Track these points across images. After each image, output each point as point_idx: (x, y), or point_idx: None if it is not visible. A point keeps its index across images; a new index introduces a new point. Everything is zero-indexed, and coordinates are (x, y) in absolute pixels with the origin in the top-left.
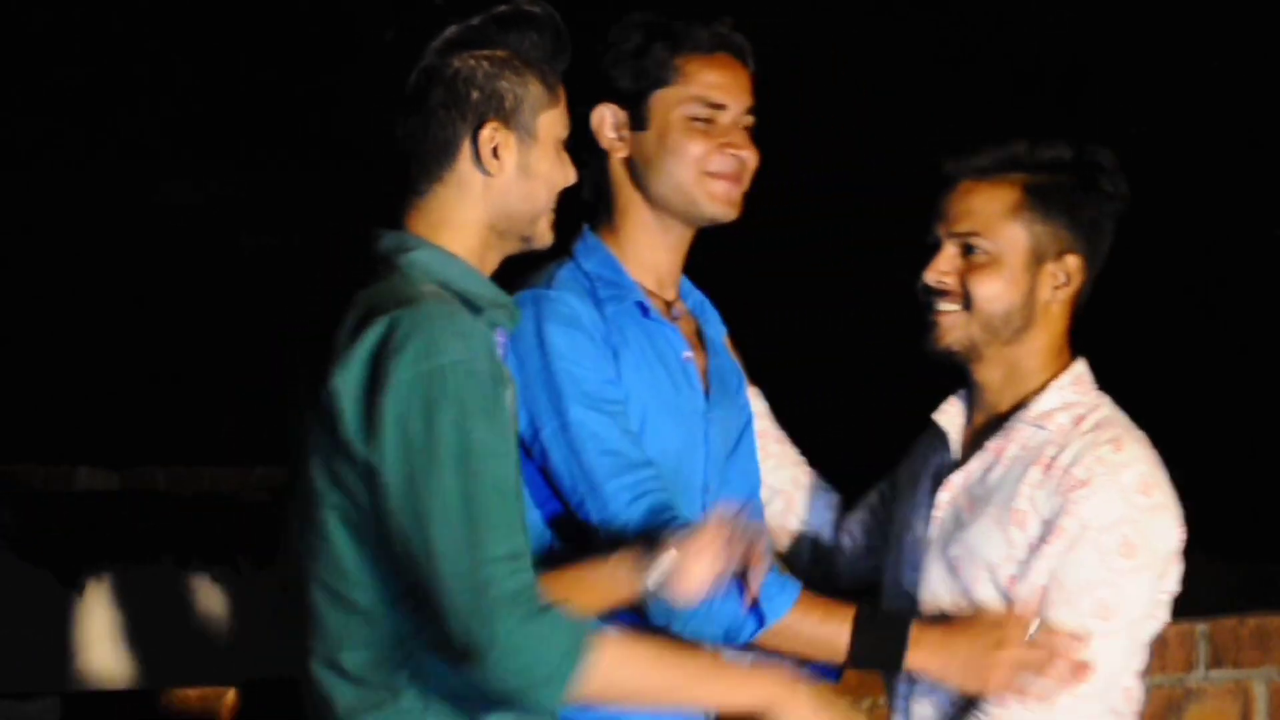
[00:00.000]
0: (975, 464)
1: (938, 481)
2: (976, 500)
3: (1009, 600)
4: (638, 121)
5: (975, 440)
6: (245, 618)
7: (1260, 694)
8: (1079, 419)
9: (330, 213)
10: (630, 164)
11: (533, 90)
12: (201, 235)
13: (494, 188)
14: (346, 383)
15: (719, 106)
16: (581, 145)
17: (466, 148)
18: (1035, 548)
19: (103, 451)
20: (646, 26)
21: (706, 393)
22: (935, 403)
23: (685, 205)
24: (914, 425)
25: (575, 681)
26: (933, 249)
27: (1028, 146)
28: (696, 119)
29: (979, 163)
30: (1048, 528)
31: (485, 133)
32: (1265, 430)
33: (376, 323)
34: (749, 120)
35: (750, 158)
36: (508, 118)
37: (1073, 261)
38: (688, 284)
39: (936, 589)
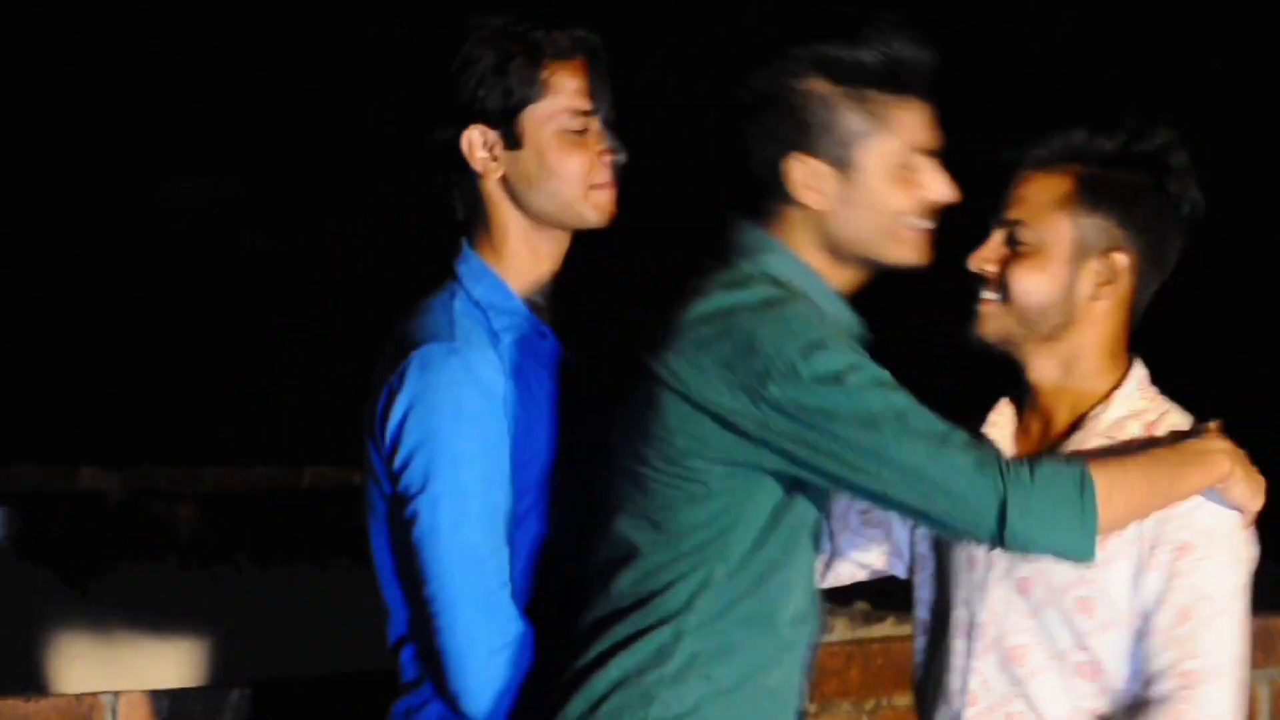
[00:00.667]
0: None
1: None
2: None
3: (1075, 621)
4: (510, 141)
5: (1037, 449)
6: (247, 618)
7: (1263, 695)
8: (1149, 426)
9: (330, 213)
10: (506, 183)
11: (846, 121)
12: (203, 234)
13: (818, 219)
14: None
15: (589, 113)
16: (449, 166)
17: (781, 177)
18: (1140, 569)
19: (104, 451)
20: (501, 41)
21: None
22: (977, 397)
23: (570, 219)
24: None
25: (1096, 522)
26: (985, 234)
27: (1087, 135)
28: (570, 130)
29: (1038, 152)
30: (1151, 546)
31: (791, 163)
32: (1264, 428)
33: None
34: (611, 116)
35: (622, 158)
36: (817, 149)
37: (1121, 260)
38: None
39: (999, 609)
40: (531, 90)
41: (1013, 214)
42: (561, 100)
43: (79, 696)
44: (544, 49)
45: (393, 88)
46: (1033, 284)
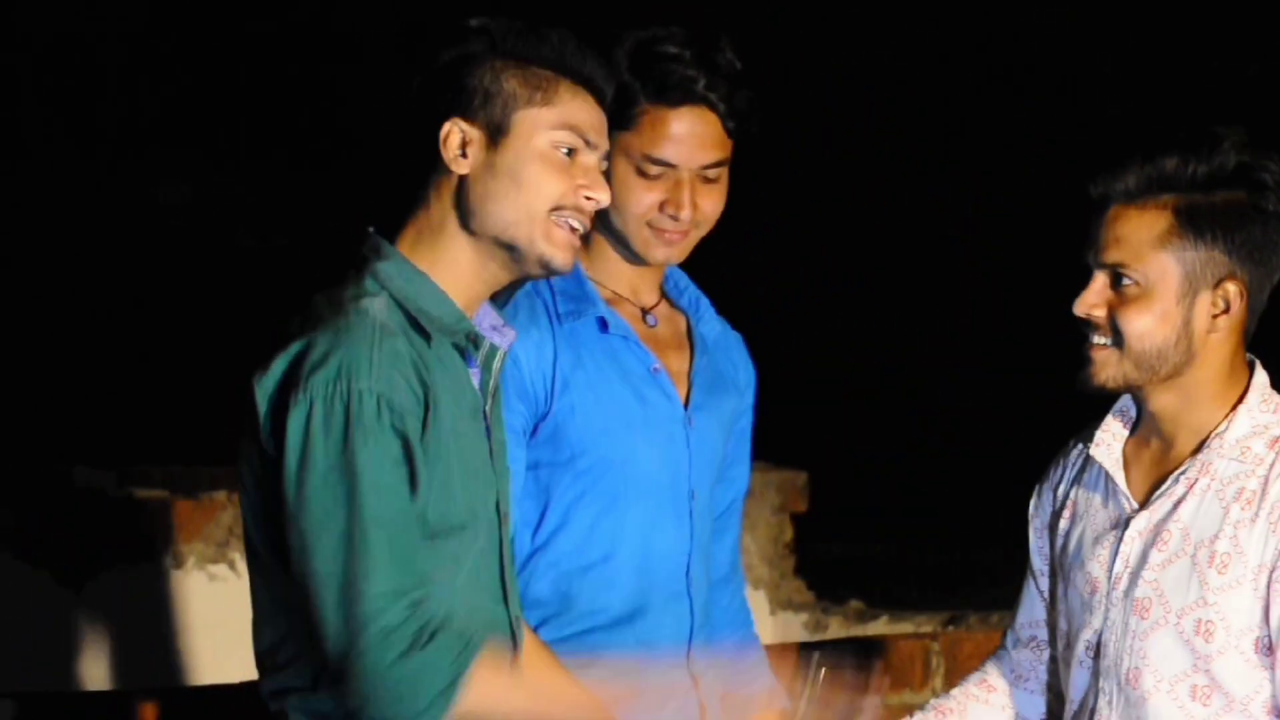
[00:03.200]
0: (1164, 501)
1: (1115, 517)
2: (1166, 538)
3: (1194, 644)
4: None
5: (1153, 471)
6: (244, 618)
7: None
8: (1274, 442)
9: (328, 212)
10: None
11: (508, 86)
12: (197, 234)
13: (464, 187)
14: (265, 388)
15: (667, 164)
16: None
17: (436, 145)
18: (1264, 597)
19: (99, 451)
20: (623, 62)
21: (686, 398)
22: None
23: (627, 246)
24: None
25: (449, 717)
26: (1085, 275)
27: (1179, 161)
28: (642, 171)
29: (1126, 184)
30: (1271, 572)
31: (447, 126)
32: None
33: (306, 336)
34: (707, 173)
35: (685, 210)
36: (474, 113)
37: (1232, 288)
38: (684, 279)
39: (1117, 631)
40: (622, 116)
41: (1112, 256)
42: (643, 139)
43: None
44: (650, 86)
45: (386, 87)
46: (1145, 327)
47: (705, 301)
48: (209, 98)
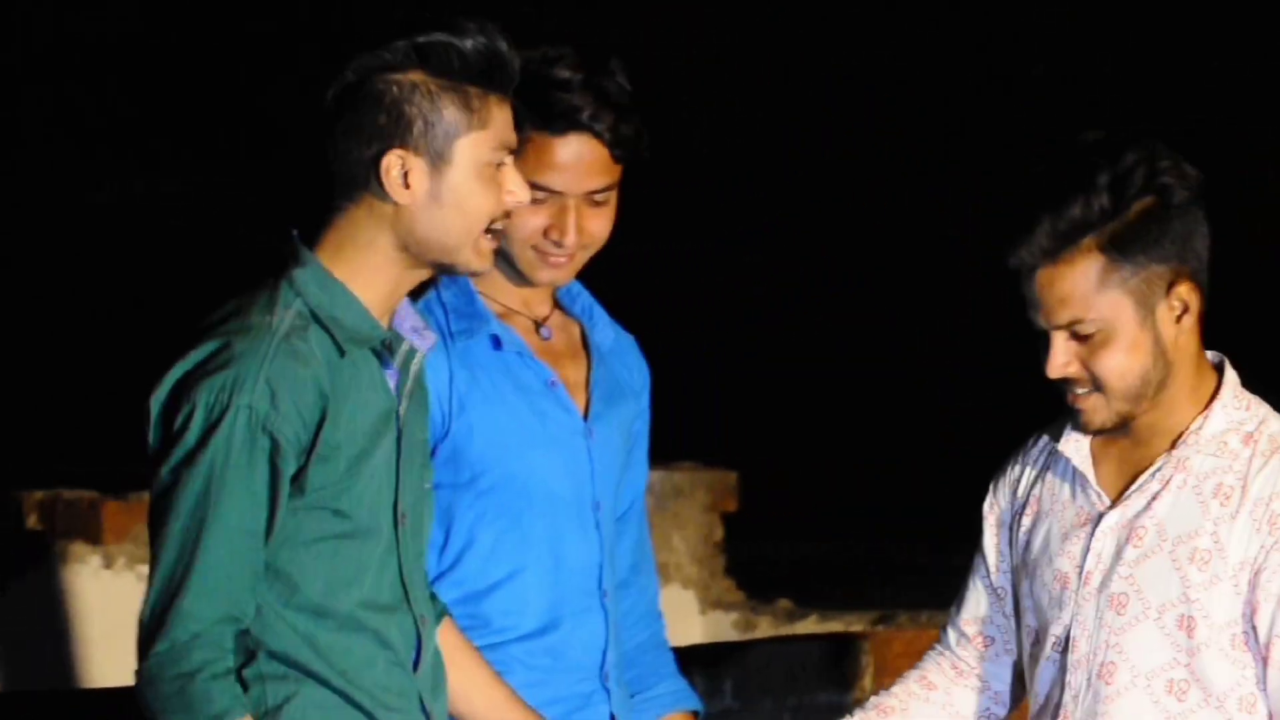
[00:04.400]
0: (1138, 497)
1: (1085, 513)
2: (1141, 534)
3: (1175, 638)
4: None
5: (1124, 467)
6: None
7: None
8: (1248, 437)
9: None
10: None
11: (448, 115)
12: (134, 233)
13: (403, 214)
14: (162, 387)
15: (552, 191)
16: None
17: (374, 173)
18: (1246, 594)
19: (28, 452)
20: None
21: (585, 409)
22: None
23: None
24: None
25: None
26: (1041, 335)
27: (1083, 203)
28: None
29: (1041, 245)
30: (1256, 571)
31: (388, 159)
32: None
33: (207, 343)
34: (594, 197)
35: (569, 237)
36: (415, 144)
37: (1183, 289)
38: (576, 287)
39: (1089, 625)
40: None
41: (1063, 317)
42: (527, 165)
43: None
44: (536, 111)
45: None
46: (1123, 365)
47: (598, 308)
48: (165, 98)
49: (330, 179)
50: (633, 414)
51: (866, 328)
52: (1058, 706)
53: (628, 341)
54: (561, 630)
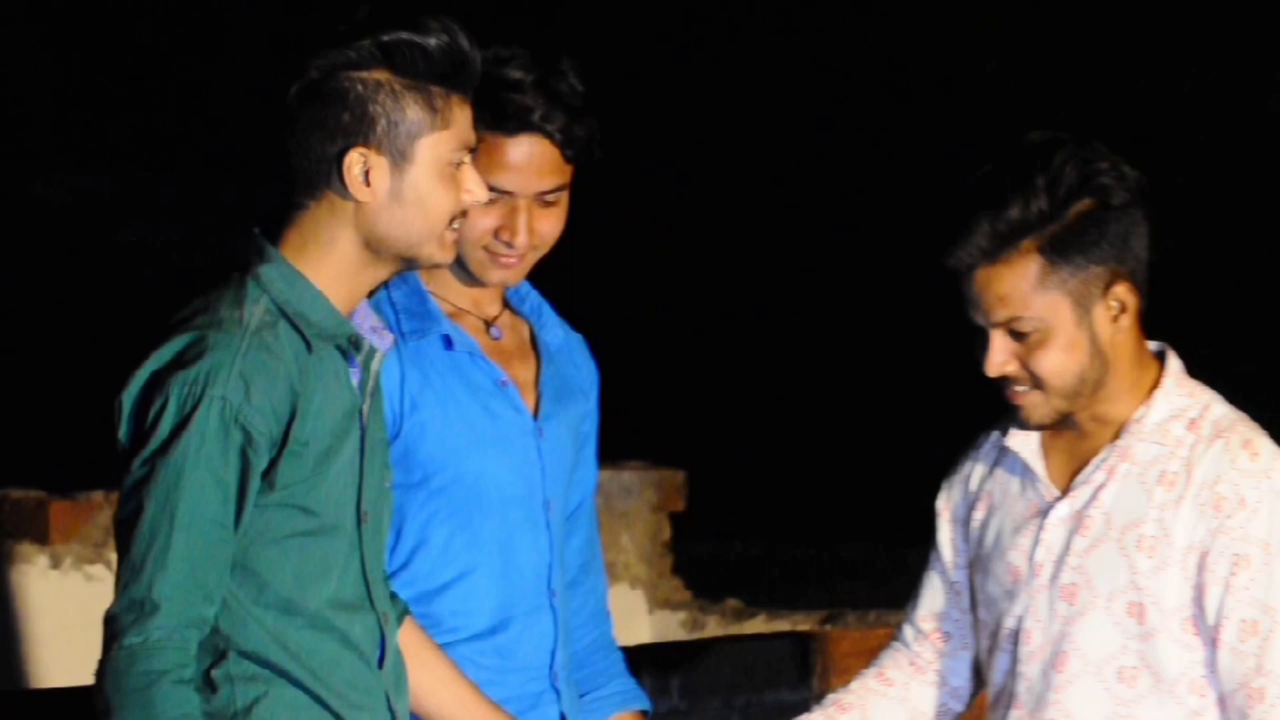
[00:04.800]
0: (1085, 488)
1: (1035, 506)
2: (1089, 524)
3: (1125, 625)
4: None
5: (1071, 459)
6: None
7: None
8: (1192, 424)
9: (209, 209)
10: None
11: (410, 114)
12: (78, 231)
13: (365, 212)
14: (133, 383)
15: (504, 192)
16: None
17: (336, 170)
18: (1194, 578)
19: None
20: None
21: (535, 409)
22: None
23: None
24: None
25: None
26: (980, 333)
27: (1021, 205)
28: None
29: (980, 246)
30: (1202, 555)
31: (350, 157)
32: None
33: (179, 337)
34: (545, 197)
35: (520, 236)
36: (378, 142)
37: (1120, 289)
38: (525, 286)
39: (1042, 616)
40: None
41: (1001, 315)
42: (479, 165)
43: None
44: (487, 111)
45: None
46: (1060, 364)
47: (547, 308)
48: (88, 95)
49: (291, 176)
50: (581, 413)
51: (814, 327)
52: (1011, 696)
53: (576, 341)
54: (511, 630)
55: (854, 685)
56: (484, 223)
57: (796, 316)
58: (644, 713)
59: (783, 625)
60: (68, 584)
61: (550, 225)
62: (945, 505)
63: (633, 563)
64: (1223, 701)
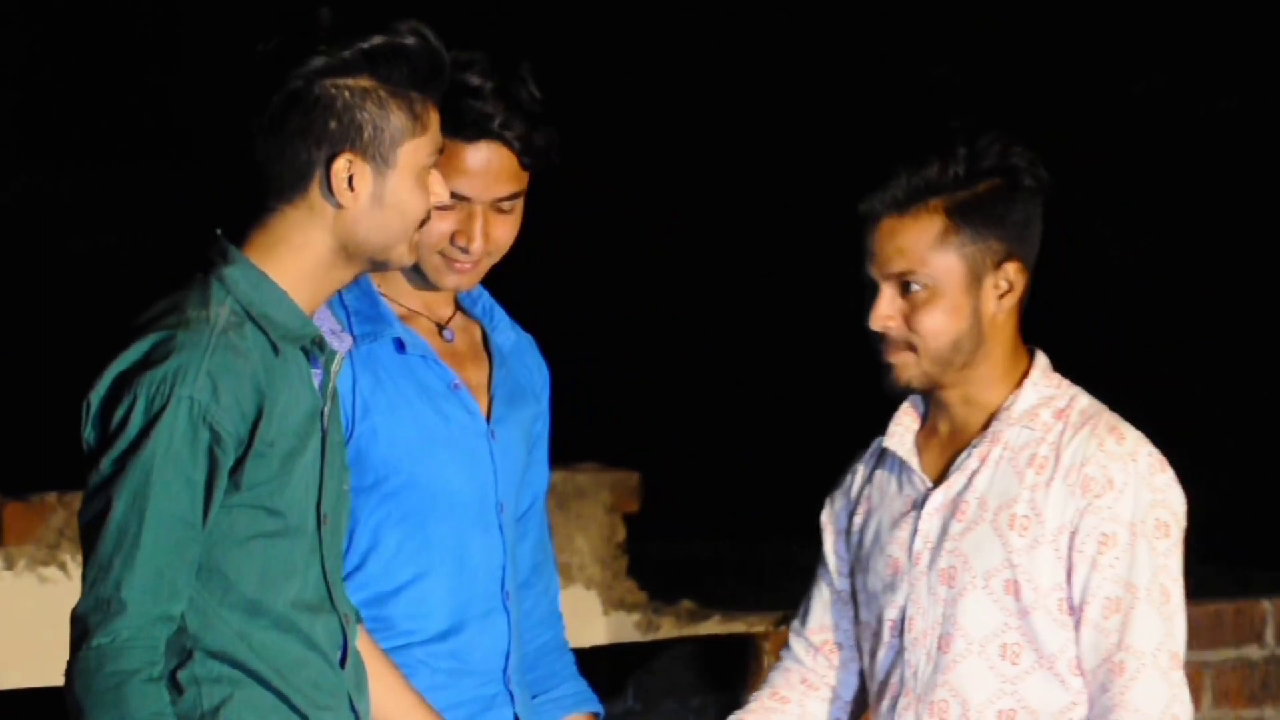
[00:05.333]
0: (958, 475)
1: (911, 500)
2: (964, 508)
3: (1003, 603)
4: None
5: (945, 453)
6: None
7: (1208, 676)
8: (1060, 412)
9: (164, 212)
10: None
11: (395, 121)
12: (25, 235)
13: (345, 217)
14: (100, 384)
15: (462, 198)
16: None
17: (319, 176)
18: (1066, 557)
19: None
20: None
21: (488, 412)
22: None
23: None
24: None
25: None
26: (870, 290)
27: (939, 167)
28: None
29: (894, 195)
30: (1072, 534)
31: (339, 164)
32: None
33: (146, 338)
34: (501, 203)
35: (476, 243)
36: (365, 149)
37: (1011, 268)
38: (477, 289)
39: (924, 602)
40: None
41: (897, 266)
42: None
43: None
44: (446, 119)
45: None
46: (941, 325)
47: (499, 310)
48: (41, 98)
49: (261, 180)
50: (533, 415)
51: (767, 327)
52: (900, 684)
53: (528, 342)
54: (466, 634)
55: (751, 705)
56: (440, 227)
57: (751, 318)
58: (595, 715)
59: (738, 626)
60: (21, 585)
61: (505, 232)
62: (829, 518)
63: (587, 564)
64: (1086, 679)
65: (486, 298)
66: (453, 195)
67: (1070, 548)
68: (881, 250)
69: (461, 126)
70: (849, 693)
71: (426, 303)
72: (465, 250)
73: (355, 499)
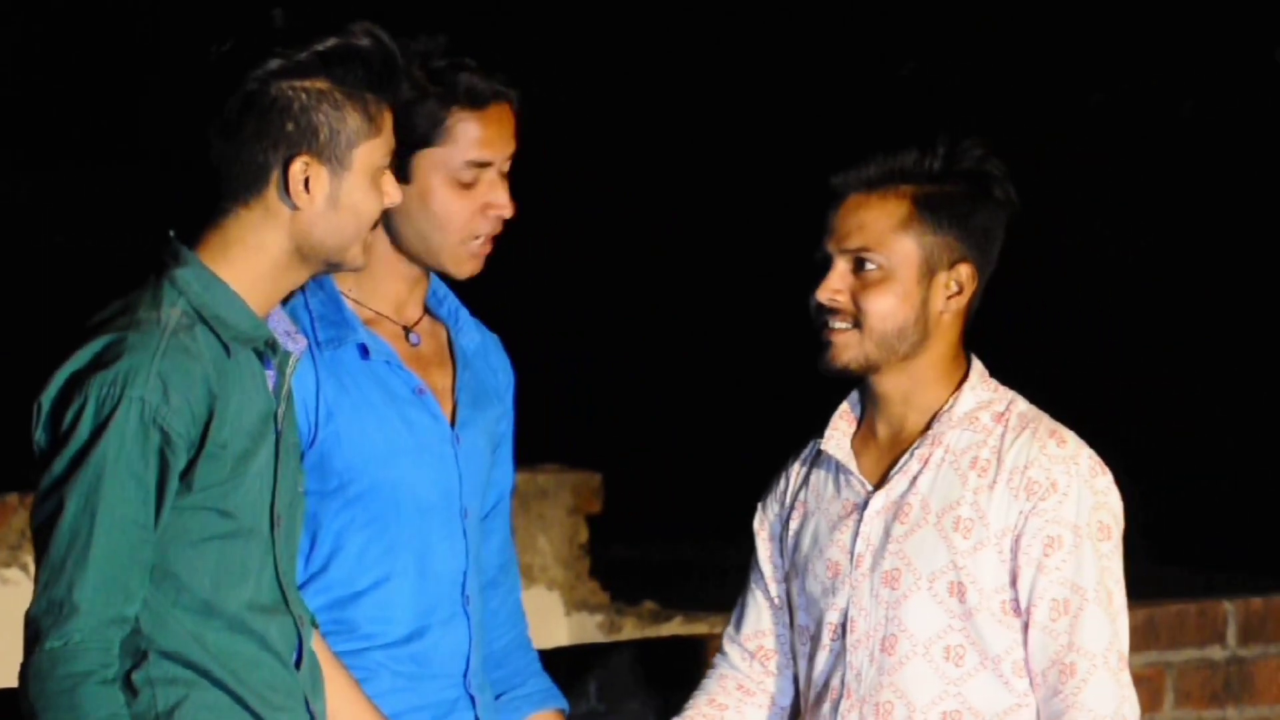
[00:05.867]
0: (900, 478)
1: (851, 504)
2: (907, 511)
3: (947, 604)
4: (400, 174)
5: (884, 455)
6: None
7: (1169, 676)
8: (999, 416)
9: (133, 214)
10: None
11: (350, 123)
12: (6, 236)
13: (300, 218)
14: (51, 386)
15: (485, 165)
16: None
17: (276, 178)
18: (1009, 560)
19: None
20: (419, 77)
21: (452, 416)
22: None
23: (434, 262)
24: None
25: None
26: (823, 265)
27: (916, 156)
28: (460, 180)
29: (866, 174)
30: (1016, 537)
31: (295, 166)
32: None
33: (97, 339)
34: (507, 165)
35: (508, 210)
36: (320, 151)
37: (965, 270)
38: (443, 289)
39: (866, 604)
40: (432, 133)
41: (855, 242)
42: (459, 150)
43: None
44: (458, 94)
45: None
46: (887, 308)
47: (464, 311)
48: (17, 100)
49: (217, 181)
50: (497, 416)
51: (731, 329)
52: (840, 687)
53: (492, 342)
54: (428, 638)
55: (688, 712)
56: (470, 206)
57: (714, 320)
58: (561, 711)
59: (700, 627)
60: None
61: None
62: (761, 524)
63: (550, 565)
64: (1036, 680)
65: (453, 299)
66: (481, 164)
67: (1015, 550)
68: (843, 224)
69: (475, 96)
70: (785, 699)
71: (397, 305)
72: (499, 219)
73: (319, 502)
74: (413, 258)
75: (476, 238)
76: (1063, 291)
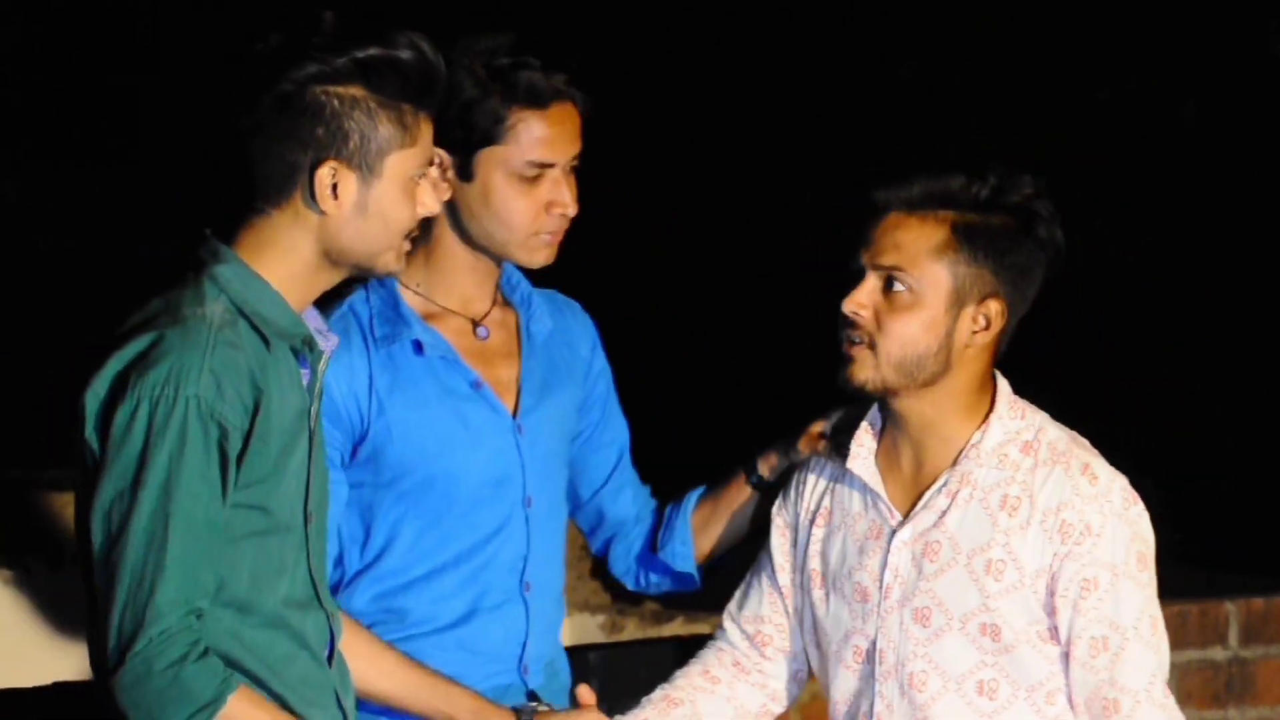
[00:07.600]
0: (927, 513)
1: (877, 528)
2: (937, 550)
3: (980, 644)
4: (464, 173)
5: (911, 483)
6: (36, 622)
7: (1172, 677)
8: (1027, 446)
9: (132, 215)
10: (450, 205)
11: (383, 131)
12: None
13: (328, 223)
14: (97, 388)
15: (547, 165)
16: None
17: (304, 182)
18: (1044, 599)
19: None
20: (482, 76)
21: (516, 406)
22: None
23: (504, 254)
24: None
25: None
26: (857, 276)
27: (964, 182)
28: (523, 177)
29: (910, 194)
30: (1051, 578)
31: (323, 171)
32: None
33: (142, 337)
34: (574, 164)
35: (572, 209)
36: (350, 157)
37: (995, 306)
38: (516, 275)
39: (895, 636)
40: (495, 131)
41: (889, 260)
42: (522, 149)
43: None
44: (519, 93)
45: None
46: (912, 334)
47: (536, 296)
48: (8, 98)
49: (249, 181)
50: (571, 398)
51: (732, 329)
52: (870, 715)
53: (568, 311)
54: (474, 623)
55: (679, 680)
56: (533, 204)
57: (718, 321)
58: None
59: (701, 628)
60: None
61: (576, 193)
62: (780, 511)
63: None
64: (1079, 709)
65: (525, 285)
66: (543, 164)
67: (1050, 592)
68: (879, 240)
69: (537, 95)
70: (777, 683)
71: (463, 300)
72: (563, 216)
73: (373, 494)
74: (483, 251)
75: (539, 234)
76: (1062, 291)
